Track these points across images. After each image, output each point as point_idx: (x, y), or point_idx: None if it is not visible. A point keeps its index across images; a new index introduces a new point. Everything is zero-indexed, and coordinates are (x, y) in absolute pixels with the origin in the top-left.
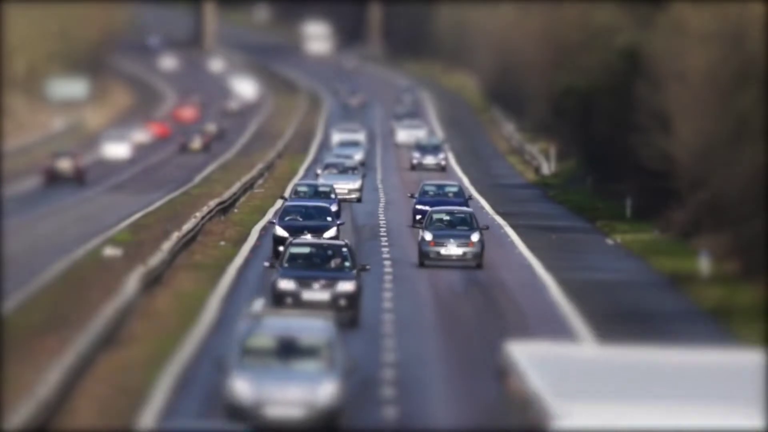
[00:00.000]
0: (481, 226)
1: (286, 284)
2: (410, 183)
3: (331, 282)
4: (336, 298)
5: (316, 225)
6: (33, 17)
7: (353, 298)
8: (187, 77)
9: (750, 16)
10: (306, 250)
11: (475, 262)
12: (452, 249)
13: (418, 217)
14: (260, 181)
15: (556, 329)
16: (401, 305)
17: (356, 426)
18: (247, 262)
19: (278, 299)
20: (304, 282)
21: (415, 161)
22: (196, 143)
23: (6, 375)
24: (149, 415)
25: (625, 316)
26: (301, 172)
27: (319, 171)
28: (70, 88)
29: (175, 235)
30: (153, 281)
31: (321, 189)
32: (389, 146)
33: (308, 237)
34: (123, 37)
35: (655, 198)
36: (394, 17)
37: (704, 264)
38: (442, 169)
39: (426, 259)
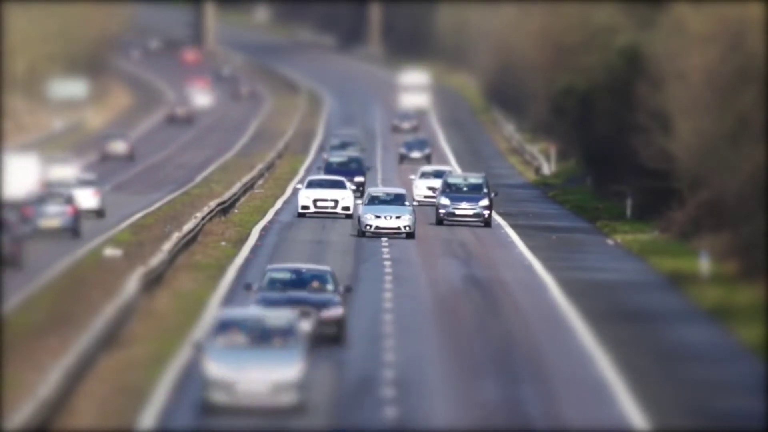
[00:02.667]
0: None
1: None
2: (409, 183)
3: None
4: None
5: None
6: (33, 17)
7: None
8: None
9: (750, 17)
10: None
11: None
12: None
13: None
14: (260, 182)
15: (555, 329)
16: (401, 305)
17: (356, 426)
18: (248, 262)
19: None
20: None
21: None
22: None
23: (6, 375)
24: (150, 415)
25: (624, 316)
26: (301, 172)
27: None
28: (71, 88)
29: (176, 236)
30: (153, 281)
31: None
32: (389, 146)
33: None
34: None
35: (655, 198)
36: (394, 17)
37: (704, 264)
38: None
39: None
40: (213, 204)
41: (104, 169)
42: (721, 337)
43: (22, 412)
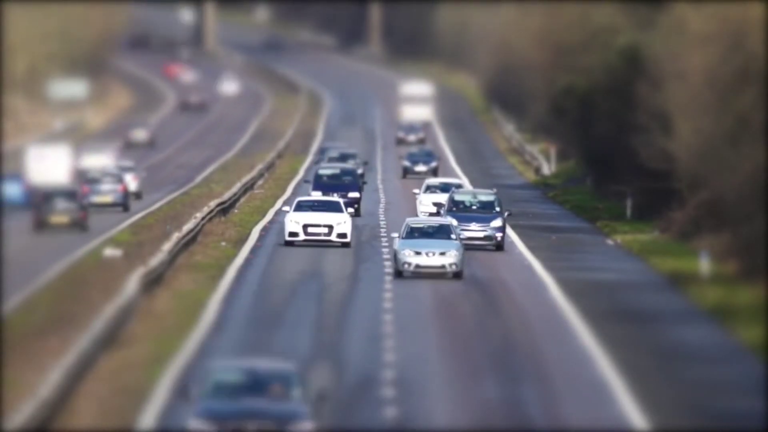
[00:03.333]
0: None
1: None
2: (411, 183)
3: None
4: None
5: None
6: (33, 17)
7: None
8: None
9: (750, 17)
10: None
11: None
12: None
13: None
14: (260, 182)
15: (555, 329)
16: (401, 305)
17: (356, 426)
18: (248, 262)
19: None
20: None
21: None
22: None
23: (7, 375)
24: (150, 415)
25: (625, 316)
26: (301, 172)
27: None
28: (71, 88)
29: (176, 236)
30: (153, 281)
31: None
32: (389, 147)
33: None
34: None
35: (656, 198)
36: (394, 17)
37: (704, 264)
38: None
39: None
40: (213, 204)
41: (129, 156)
42: (721, 337)
43: (22, 412)
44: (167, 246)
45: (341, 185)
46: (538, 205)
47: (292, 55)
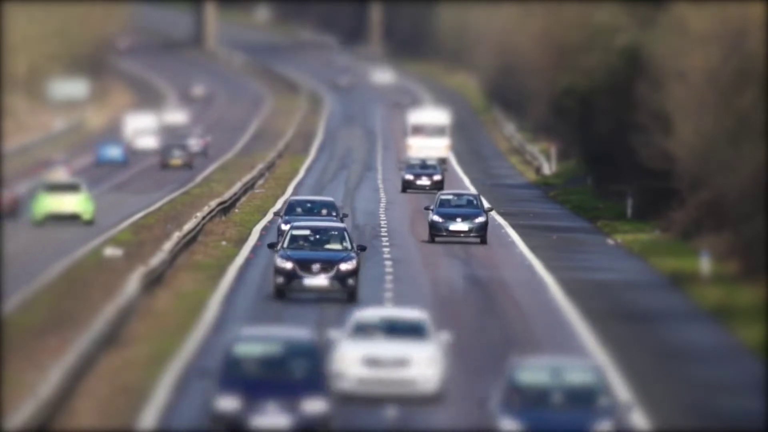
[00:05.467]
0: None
1: None
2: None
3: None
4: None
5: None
6: (33, 17)
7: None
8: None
9: (750, 17)
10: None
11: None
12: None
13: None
14: (261, 182)
15: (556, 329)
16: (401, 305)
17: (356, 426)
18: (248, 262)
19: None
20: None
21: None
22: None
23: (7, 375)
24: (150, 415)
25: (625, 316)
26: (301, 172)
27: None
28: (71, 88)
29: (176, 235)
30: (154, 281)
31: None
32: (389, 146)
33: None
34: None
35: (656, 198)
36: (394, 17)
37: (704, 264)
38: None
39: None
40: (213, 204)
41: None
42: (722, 337)
43: (23, 411)
44: (168, 245)
45: (324, 255)
46: (538, 205)
47: (293, 54)
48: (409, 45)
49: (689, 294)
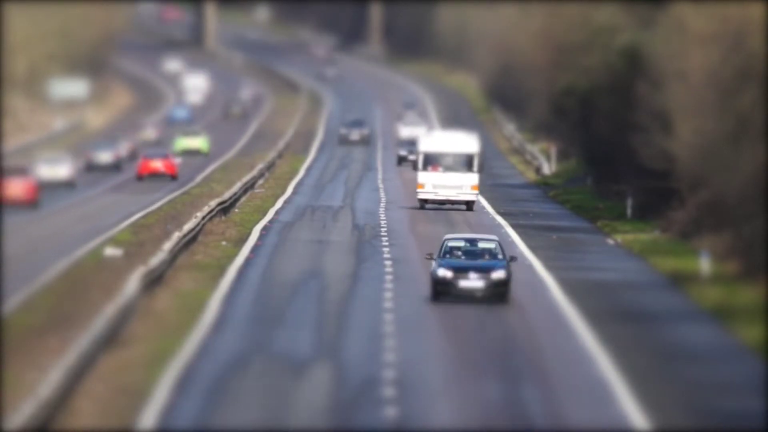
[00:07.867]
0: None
1: None
2: (410, 182)
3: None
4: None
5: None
6: (33, 17)
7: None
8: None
9: (750, 17)
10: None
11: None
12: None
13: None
14: (261, 181)
15: (556, 329)
16: (402, 305)
17: (356, 426)
18: (248, 261)
19: None
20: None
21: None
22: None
23: (7, 375)
24: (150, 415)
25: (625, 315)
26: (301, 172)
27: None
28: (71, 88)
29: (176, 235)
30: (154, 281)
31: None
32: (389, 146)
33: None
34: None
35: (656, 198)
36: (394, 17)
37: (705, 264)
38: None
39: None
40: (213, 203)
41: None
42: (722, 337)
43: (23, 412)
44: (168, 245)
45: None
46: (538, 205)
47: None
48: (409, 45)
49: (689, 294)
